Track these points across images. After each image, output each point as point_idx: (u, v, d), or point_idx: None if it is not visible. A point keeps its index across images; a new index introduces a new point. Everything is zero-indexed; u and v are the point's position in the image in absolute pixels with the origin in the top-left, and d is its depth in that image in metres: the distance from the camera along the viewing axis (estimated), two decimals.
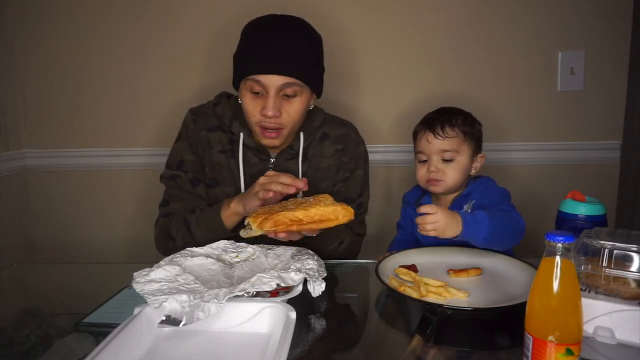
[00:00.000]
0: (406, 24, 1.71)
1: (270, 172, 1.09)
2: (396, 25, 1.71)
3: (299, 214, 0.97)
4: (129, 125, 1.79)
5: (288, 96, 1.13)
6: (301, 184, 1.04)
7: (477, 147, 1.24)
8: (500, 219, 1.06)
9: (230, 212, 1.13)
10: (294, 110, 1.15)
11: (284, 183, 1.04)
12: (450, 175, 1.19)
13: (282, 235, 0.98)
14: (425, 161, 1.22)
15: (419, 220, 1.00)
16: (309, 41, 1.16)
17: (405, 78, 1.73)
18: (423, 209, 0.99)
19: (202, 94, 1.70)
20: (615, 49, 1.68)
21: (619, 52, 1.68)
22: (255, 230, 0.97)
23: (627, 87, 1.70)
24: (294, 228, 0.97)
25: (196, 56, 1.74)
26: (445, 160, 1.20)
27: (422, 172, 1.23)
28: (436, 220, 0.98)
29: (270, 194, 1.04)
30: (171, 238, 1.19)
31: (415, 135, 1.26)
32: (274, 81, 1.10)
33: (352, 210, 0.99)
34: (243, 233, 1.00)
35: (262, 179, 1.08)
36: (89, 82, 1.77)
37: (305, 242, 1.15)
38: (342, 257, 1.24)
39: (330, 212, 0.99)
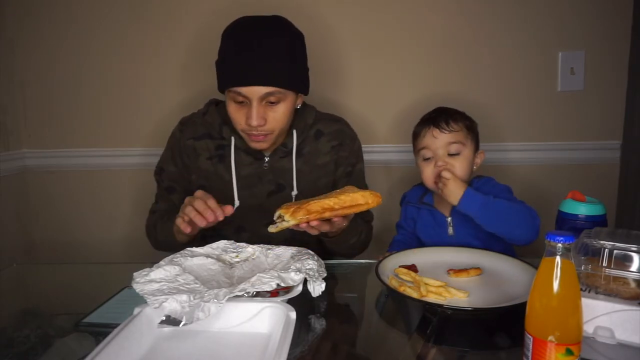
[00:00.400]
0: (405, 24, 1.71)
1: (198, 193, 1.04)
2: (396, 25, 1.71)
3: (330, 201, 0.97)
4: (129, 126, 1.79)
5: (272, 103, 1.12)
6: (211, 217, 0.99)
7: (477, 143, 1.25)
8: (506, 204, 1.12)
9: (176, 229, 1.11)
10: (279, 115, 1.14)
11: (197, 209, 1.00)
12: (458, 169, 1.19)
13: (314, 224, 0.97)
14: (429, 159, 1.21)
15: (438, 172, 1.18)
16: (288, 44, 1.12)
17: (405, 78, 1.73)
18: (444, 173, 1.16)
19: (201, 95, 1.70)
20: (615, 49, 1.68)
21: (619, 52, 1.68)
22: (287, 222, 0.96)
23: (627, 87, 1.70)
24: (327, 215, 0.97)
25: (196, 57, 1.74)
26: (451, 155, 1.20)
27: (428, 172, 1.21)
28: (445, 184, 1.15)
29: (188, 229, 1.03)
30: (151, 235, 1.30)
31: (417, 135, 1.26)
32: (255, 92, 1.09)
33: (379, 195, 1.01)
34: (272, 228, 0.98)
35: (186, 200, 1.05)
36: (89, 82, 1.77)
37: (328, 239, 1.18)
38: (360, 249, 1.28)
39: (359, 197, 1.00)
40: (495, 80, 1.72)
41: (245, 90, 1.09)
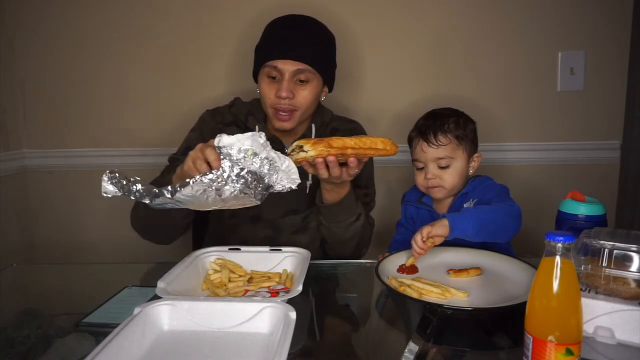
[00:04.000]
0: (406, 24, 1.71)
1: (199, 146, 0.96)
2: (396, 25, 1.71)
3: (351, 140, 0.97)
4: (129, 126, 1.79)
5: (301, 82, 1.20)
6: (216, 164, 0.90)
7: (472, 147, 1.23)
8: (488, 208, 1.07)
9: (176, 177, 1.06)
10: (306, 94, 1.21)
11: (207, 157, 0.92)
12: (448, 181, 1.20)
13: (331, 159, 0.97)
14: (423, 168, 1.23)
15: (419, 245, 1.01)
16: (323, 35, 1.25)
17: (406, 77, 1.74)
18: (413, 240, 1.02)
19: (201, 95, 1.71)
20: (615, 49, 1.68)
21: (619, 52, 1.68)
22: (306, 152, 0.94)
23: (627, 87, 1.70)
24: (349, 152, 0.97)
25: (196, 58, 1.74)
26: (442, 167, 1.20)
27: (420, 180, 1.24)
28: (419, 231, 1.01)
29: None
30: (139, 206, 1.17)
31: (410, 142, 1.28)
32: (288, 66, 1.17)
33: (397, 145, 1.02)
34: None
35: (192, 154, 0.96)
36: (89, 83, 1.77)
37: (322, 213, 1.18)
38: (358, 236, 1.24)
39: (379, 142, 1.00)
40: (495, 80, 1.72)
41: (280, 64, 1.17)
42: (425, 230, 1.00)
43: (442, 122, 1.21)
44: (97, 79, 1.77)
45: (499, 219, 1.06)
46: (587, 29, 1.68)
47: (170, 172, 1.26)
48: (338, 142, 0.96)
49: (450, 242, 1.19)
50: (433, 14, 1.70)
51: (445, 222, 1.01)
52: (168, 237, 1.23)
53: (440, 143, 1.19)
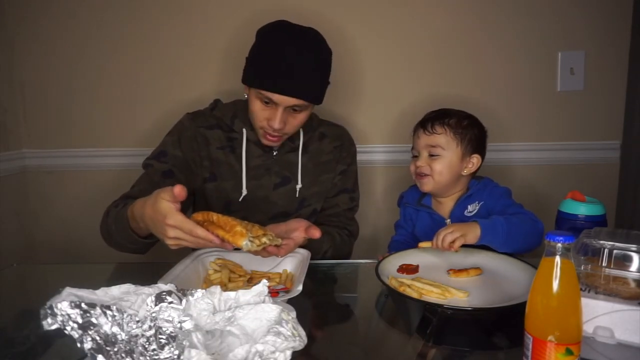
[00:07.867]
0: (405, 24, 1.71)
1: (185, 227, 0.90)
2: (395, 26, 1.71)
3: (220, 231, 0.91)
4: (129, 126, 1.79)
5: (294, 110, 1.19)
6: (217, 240, 0.90)
7: (470, 149, 1.22)
8: (518, 222, 1.08)
9: (139, 216, 1.01)
10: (298, 122, 1.21)
11: (198, 237, 0.90)
12: (436, 170, 1.21)
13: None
14: (416, 156, 1.25)
15: (441, 241, 1.03)
16: (322, 61, 1.19)
17: (406, 78, 1.73)
18: (440, 232, 1.04)
19: (200, 96, 1.71)
20: (615, 49, 1.68)
21: (619, 52, 1.68)
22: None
23: (627, 87, 1.70)
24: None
25: (199, 58, 1.74)
26: (432, 156, 1.21)
27: (412, 167, 1.26)
28: (452, 230, 1.03)
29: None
30: (102, 225, 1.20)
31: (413, 133, 1.29)
32: (285, 101, 1.14)
33: (244, 234, 0.90)
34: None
35: (173, 233, 0.91)
36: (89, 82, 1.77)
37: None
38: (329, 257, 1.25)
39: (226, 220, 0.92)
40: (495, 80, 1.72)
41: (277, 97, 1.14)
42: (459, 241, 1.02)
43: (445, 116, 1.23)
44: (97, 79, 1.77)
45: (525, 237, 1.08)
46: (587, 29, 1.68)
47: (141, 184, 1.22)
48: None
49: None
50: (432, 14, 1.70)
51: (477, 233, 1.03)
52: (140, 252, 1.20)
53: (434, 131, 1.21)
